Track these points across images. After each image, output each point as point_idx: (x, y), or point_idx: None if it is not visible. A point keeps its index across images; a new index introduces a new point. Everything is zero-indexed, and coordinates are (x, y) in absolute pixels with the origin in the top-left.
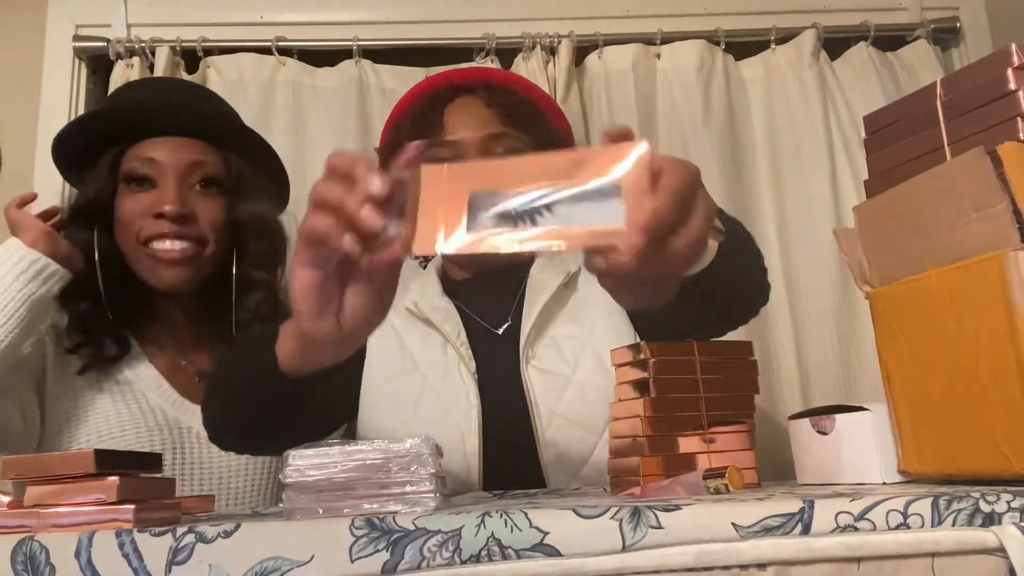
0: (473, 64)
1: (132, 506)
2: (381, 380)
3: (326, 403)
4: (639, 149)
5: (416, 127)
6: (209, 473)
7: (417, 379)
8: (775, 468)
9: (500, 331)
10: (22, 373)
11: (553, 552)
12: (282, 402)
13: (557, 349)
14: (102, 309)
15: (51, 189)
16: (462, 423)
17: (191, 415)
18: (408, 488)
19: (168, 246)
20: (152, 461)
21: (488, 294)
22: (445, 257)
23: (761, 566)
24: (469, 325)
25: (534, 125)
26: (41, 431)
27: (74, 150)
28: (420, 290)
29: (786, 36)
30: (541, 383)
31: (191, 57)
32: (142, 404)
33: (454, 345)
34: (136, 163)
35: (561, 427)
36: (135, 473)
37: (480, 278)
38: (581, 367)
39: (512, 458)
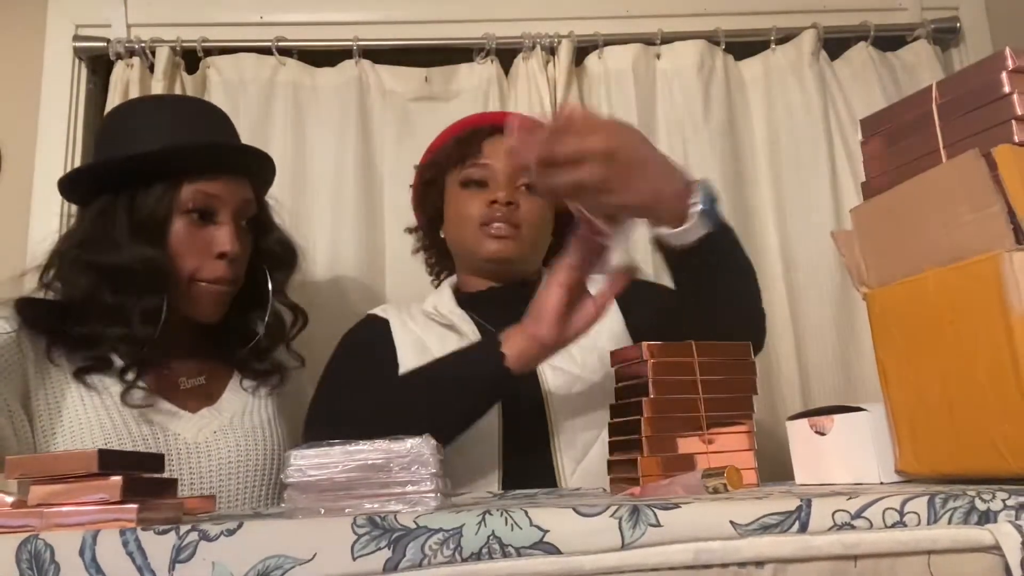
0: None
1: (135, 505)
2: None
3: None
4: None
5: (459, 148)
6: (199, 479)
7: None
8: (775, 468)
9: None
10: (3, 381)
11: (553, 550)
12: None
13: (567, 351)
14: (151, 332)
15: (51, 188)
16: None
17: (178, 422)
18: (409, 488)
19: (217, 288)
20: (154, 461)
21: (500, 305)
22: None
23: (759, 564)
24: (482, 330)
25: None
26: (33, 442)
27: (128, 172)
28: (437, 300)
29: (786, 36)
30: (553, 379)
31: (191, 57)
32: (127, 415)
33: (469, 340)
34: (202, 197)
35: (569, 415)
36: (138, 473)
37: (493, 291)
38: (587, 367)
39: (529, 443)
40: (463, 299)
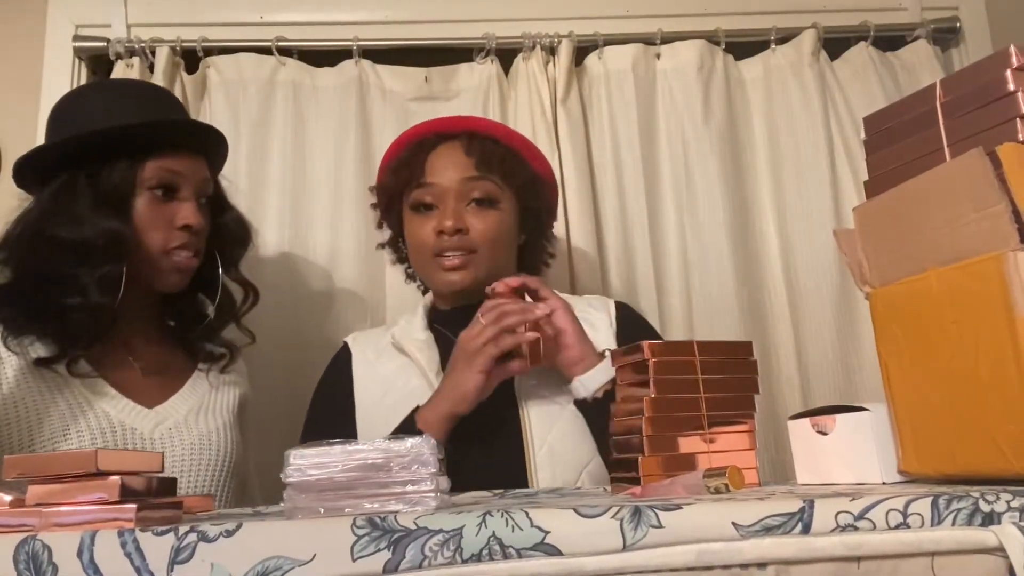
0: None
1: (134, 505)
2: (361, 411)
3: None
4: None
5: (400, 170)
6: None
7: (387, 405)
8: (775, 468)
9: None
10: None
11: (554, 551)
12: None
13: (550, 383)
14: (110, 301)
15: None
16: None
17: (135, 416)
18: (409, 487)
19: (185, 256)
20: (153, 461)
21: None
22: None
23: (761, 565)
24: (448, 350)
25: (510, 170)
26: None
27: (91, 149)
28: (406, 326)
29: (786, 36)
30: (536, 409)
31: (191, 57)
32: (85, 407)
33: (424, 372)
34: (166, 174)
35: (550, 452)
36: (137, 473)
37: (465, 308)
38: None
39: (498, 471)
40: (438, 316)
